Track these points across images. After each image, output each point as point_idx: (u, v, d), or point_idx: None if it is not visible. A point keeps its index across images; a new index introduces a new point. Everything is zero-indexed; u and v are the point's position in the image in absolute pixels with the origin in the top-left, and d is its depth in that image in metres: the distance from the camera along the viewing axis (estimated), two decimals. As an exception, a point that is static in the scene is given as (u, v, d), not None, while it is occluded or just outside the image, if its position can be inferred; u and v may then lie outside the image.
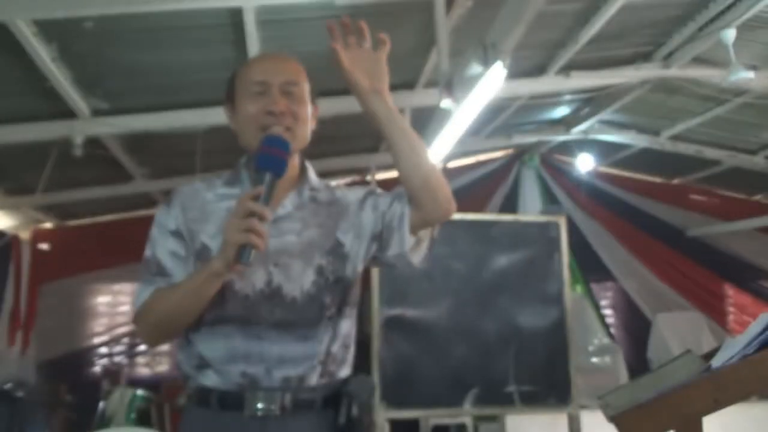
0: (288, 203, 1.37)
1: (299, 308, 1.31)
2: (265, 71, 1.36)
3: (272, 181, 1.23)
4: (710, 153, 5.94)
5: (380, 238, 1.39)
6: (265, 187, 1.21)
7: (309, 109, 1.39)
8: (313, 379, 1.31)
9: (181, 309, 1.27)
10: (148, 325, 1.33)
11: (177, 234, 1.35)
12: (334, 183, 1.51)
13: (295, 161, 1.41)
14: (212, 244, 1.31)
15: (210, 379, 1.30)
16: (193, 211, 1.36)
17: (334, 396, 1.32)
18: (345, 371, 1.37)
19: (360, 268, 1.42)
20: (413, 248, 1.37)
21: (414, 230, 1.36)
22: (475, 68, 2.86)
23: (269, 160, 1.25)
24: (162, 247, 1.35)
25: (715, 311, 6.78)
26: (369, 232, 1.40)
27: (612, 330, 6.75)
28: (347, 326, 1.40)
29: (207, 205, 1.37)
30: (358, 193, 1.45)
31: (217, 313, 1.29)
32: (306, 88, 1.40)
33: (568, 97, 5.26)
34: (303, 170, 1.43)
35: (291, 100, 1.35)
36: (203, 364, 1.30)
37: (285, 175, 1.34)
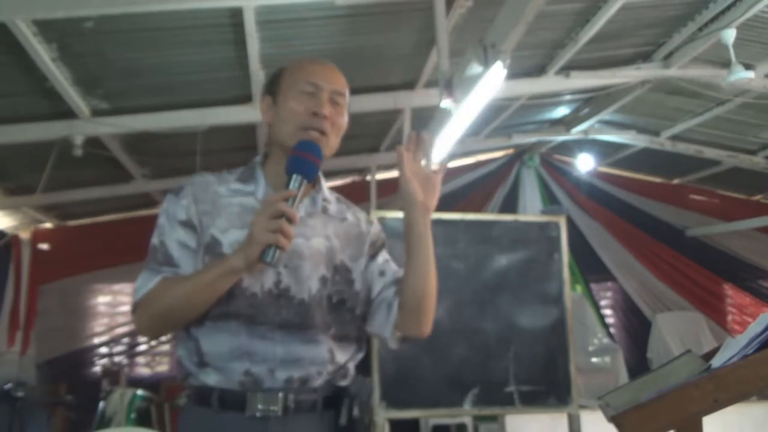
0: (302, 209, 1.38)
1: (306, 311, 1.31)
2: (319, 75, 1.39)
3: (302, 185, 1.26)
4: (710, 153, 5.94)
5: (369, 306, 1.44)
6: (295, 190, 1.24)
7: (346, 121, 1.44)
8: (316, 382, 1.31)
9: (191, 302, 1.25)
10: (151, 316, 1.29)
11: (188, 225, 1.34)
12: (327, 184, 1.52)
13: None
14: (222, 239, 1.31)
15: (211, 378, 1.29)
16: (204, 204, 1.35)
17: (335, 397, 1.33)
18: (345, 383, 1.37)
19: (362, 308, 1.44)
20: (393, 332, 1.43)
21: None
22: (475, 68, 2.86)
23: (302, 163, 1.27)
24: (170, 236, 1.33)
25: (715, 311, 6.79)
26: (368, 291, 1.44)
27: (612, 330, 6.76)
28: (359, 355, 1.43)
29: (219, 198, 1.36)
30: (368, 226, 1.49)
31: (223, 309, 1.28)
32: (347, 102, 1.44)
33: (568, 97, 5.26)
34: (317, 179, 1.44)
35: (335, 109, 1.39)
36: (205, 361, 1.29)
37: None
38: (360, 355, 1.43)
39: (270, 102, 1.43)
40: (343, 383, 1.36)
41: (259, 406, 1.26)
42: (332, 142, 1.39)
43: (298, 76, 1.39)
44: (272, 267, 1.22)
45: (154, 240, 1.35)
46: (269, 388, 1.27)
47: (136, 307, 1.31)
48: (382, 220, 3.45)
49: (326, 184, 1.47)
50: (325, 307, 1.34)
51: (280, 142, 1.38)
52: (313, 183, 1.43)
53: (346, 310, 1.38)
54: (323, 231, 1.39)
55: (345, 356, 1.37)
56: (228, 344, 1.28)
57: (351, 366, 1.39)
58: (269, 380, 1.27)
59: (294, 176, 1.26)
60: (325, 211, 1.42)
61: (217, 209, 1.35)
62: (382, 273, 1.44)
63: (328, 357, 1.32)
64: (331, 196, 1.47)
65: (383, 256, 1.47)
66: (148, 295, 1.29)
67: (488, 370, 3.60)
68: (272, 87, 1.43)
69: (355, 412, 1.31)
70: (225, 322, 1.29)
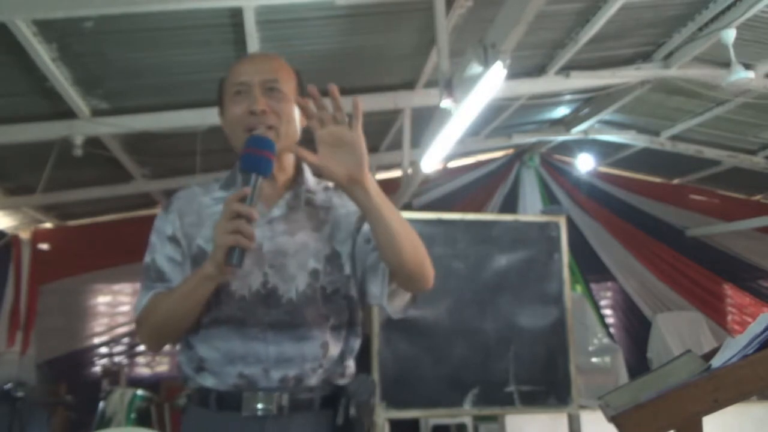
0: (283, 204, 1.37)
1: (295, 309, 1.31)
2: (245, 72, 1.36)
3: (257, 182, 1.22)
4: (710, 153, 5.94)
5: (363, 278, 1.39)
6: (250, 188, 1.20)
7: (294, 105, 1.37)
8: (312, 380, 1.31)
9: (177, 313, 1.27)
10: (148, 330, 1.34)
11: (174, 239, 1.36)
12: (330, 183, 1.50)
13: (290, 161, 1.41)
14: (208, 248, 1.31)
15: (208, 381, 1.30)
16: (189, 216, 1.37)
17: (333, 396, 1.32)
18: (343, 381, 1.36)
19: (357, 290, 1.41)
20: (392, 296, 1.36)
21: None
22: (475, 68, 2.86)
23: (254, 159, 1.24)
24: (160, 253, 1.36)
25: (715, 311, 6.79)
26: (360, 264, 1.39)
27: (612, 330, 6.76)
28: (355, 344, 1.40)
29: (203, 209, 1.37)
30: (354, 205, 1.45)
31: (214, 315, 1.30)
32: (290, 85, 1.38)
33: (568, 97, 5.26)
34: (299, 171, 1.42)
35: (273, 98, 1.34)
36: (203, 366, 1.31)
37: (281, 176, 1.36)
38: (356, 342, 1.41)
39: (221, 113, 1.43)
40: (342, 382, 1.35)
41: (257, 406, 1.27)
42: (286, 132, 1.34)
43: (229, 80, 1.38)
44: (239, 268, 1.19)
45: (147, 258, 1.37)
46: (265, 387, 1.28)
47: (137, 325, 1.37)
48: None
49: (310, 176, 1.44)
50: (320, 299, 1.33)
51: (237, 149, 1.36)
52: (295, 176, 1.41)
53: (341, 297, 1.37)
54: (309, 223, 1.37)
55: (340, 346, 1.36)
56: (221, 349, 1.29)
57: (350, 363, 1.39)
58: (264, 380, 1.28)
59: (248, 174, 1.23)
60: (310, 202, 1.40)
61: (202, 220, 1.36)
62: (368, 240, 1.37)
63: (322, 353, 1.32)
64: (317, 186, 1.44)
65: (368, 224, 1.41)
66: (144, 311, 1.33)
67: (488, 370, 3.60)
68: (219, 98, 1.43)
69: (353, 411, 1.30)
70: (217, 328, 1.30)
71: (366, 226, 1.39)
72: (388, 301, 1.35)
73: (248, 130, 1.31)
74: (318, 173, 1.23)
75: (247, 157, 1.24)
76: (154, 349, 1.39)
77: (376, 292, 1.36)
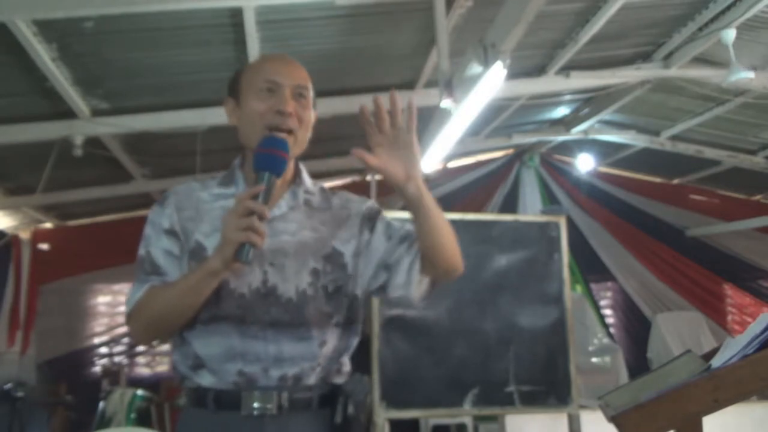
0: (283, 204, 1.37)
1: (294, 308, 1.31)
2: (278, 72, 1.37)
3: (271, 181, 1.23)
4: (710, 153, 5.94)
5: (388, 271, 1.40)
6: (264, 186, 1.22)
7: (312, 115, 1.41)
8: (310, 379, 1.32)
9: (177, 307, 1.27)
10: (142, 324, 1.32)
11: (171, 233, 1.35)
12: (326, 185, 1.51)
13: (290, 163, 1.42)
14: (207, 243, 1.31)
15: (206, 379, 1.30)
16: (188, 211, 1.36)
17: (331, 395, 1.33)
18: (340, 380, 1.37)
19: (364, 288, 1.42)
20: (416, 285, 1.38)
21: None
22: (475, 68, 2.86)
23: (269, 159, 1.25)
24: (156, 246, 1.35)
25: (714, 311, 6.79)
26: (379, 259, 1.40)
27: (612, 330, 6.76)
28: (353, 342, 1.41)
29: (202, 204, 1.37)
30: (359, 205, 1.45)
31: (213, 311, 1.29)
32: (312, 95, 1.42)
33: (568, 97, 5.26)
34: (297, 172, 1.44)
35: (300, 104, 1.36)
36: (199, 364, 1.30)
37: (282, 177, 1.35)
38: (355, 340, 1.42)
39: (233, 104, 1.41)
40: (339, 380, 1.36)
41: (254, 405, 1.27)
42: (301, 139, 1.37)
43: (257, 75, 1.37)
44: (248, 264, 1.21)
45: (141, 251, 1.37)
46: (264, 386, 1.28)
47: (129, 318, 1.34)
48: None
49: (308, 177, 1.46)
50: (322, 298, 1.34)
51: (249, 145, 1.36)
52: (294, 177, 1.42)
53: (343, 295, 1.37)
54: (308, 223, 1.38)
55: (341, 345, 1.37)
56: (221, 346, 1.29)
57: (346, 360, 1.40)
58: (263, 379, 1.28)
59: (261, 172, 1.24)
60: (308, 203, 1.41)
61: (201, 215, 1.36)
62: (389, 237, 1.41)
63: (320, 352, 1.32)
64: (314, 188, 1.45)
65: (382, 222, 1.43)
66: (138, 304, 1.31)
67: (488, 370, 3.60)
68: (234, 88, 1.41)
69: (350, 410, 1.31)
70: (216, 325, 1.29)
71: (380, 225, 1.43)
72: (413, 292, 1.38)
73: (269, 129, 1.32)
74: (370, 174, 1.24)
75: (264, 156, 1.26)
76: (145, 342, 1.40)
77: (400, 282, 1.38)
